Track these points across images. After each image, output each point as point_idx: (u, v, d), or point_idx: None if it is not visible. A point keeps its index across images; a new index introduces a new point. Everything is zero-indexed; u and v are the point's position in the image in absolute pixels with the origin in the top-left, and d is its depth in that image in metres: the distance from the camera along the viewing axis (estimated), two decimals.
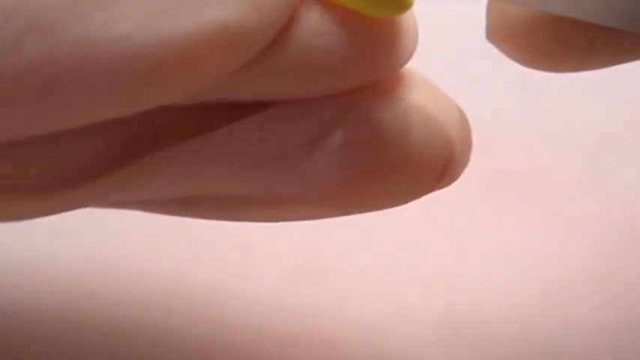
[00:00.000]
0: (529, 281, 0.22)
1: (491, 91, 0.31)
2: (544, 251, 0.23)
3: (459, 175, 0.15)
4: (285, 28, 0.12)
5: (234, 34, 0.12)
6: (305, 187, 0.14)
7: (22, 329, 0.21)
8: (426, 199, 0.25)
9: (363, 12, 0.13)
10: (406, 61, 0.14)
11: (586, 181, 0.25)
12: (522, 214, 0.25)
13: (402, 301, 0.21)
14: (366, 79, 0.14)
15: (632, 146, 0.24)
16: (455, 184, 0.26)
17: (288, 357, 0.20)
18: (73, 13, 0.11)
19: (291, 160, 0.14)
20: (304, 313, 0.21)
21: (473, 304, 0.21)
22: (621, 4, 0.13)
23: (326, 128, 0.14)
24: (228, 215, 0.16)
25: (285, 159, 0.14)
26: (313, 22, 0.13)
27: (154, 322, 0.20)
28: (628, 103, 0.26)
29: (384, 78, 0.14)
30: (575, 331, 0.21)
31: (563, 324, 0.21)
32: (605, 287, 0.22)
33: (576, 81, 0.27)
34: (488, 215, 0.25)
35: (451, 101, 0.15)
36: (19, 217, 0.16)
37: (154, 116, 0.13)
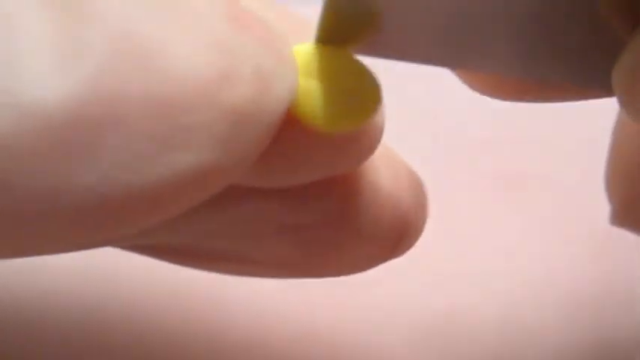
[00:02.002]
0: (530, 281, 0.22)
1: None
2: (545, 252, 0.23)
3: (414, 243, 0.16)
4: None
5: (208, 175, 0.12)
6: (266, 255, 0.15)
7: (23, 323, 0.21)
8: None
9: (325, 131, 0.13)
10: (367, 158, 0.14)
11: (589, 183, 0.25)
12: (523, 214, 0.25)
13: (402, 301, 0.21)
14: (324, 175, 0.14)
15: None
16: (458, 187, 0.26)
17: (288, 357, 0.20)
18: (36, 171, 0.11)
19: (257, 234, 0.15)
20: (304, 313, 0.21)
21: (473, 304, 0.21)
22: (543, 64, 0.15)
23: (288, 210, 0.15)
24: (193, 264, 0.17)
25: (251, 232, 0.15)
26: (280, 138, 0.13)
27: (154, 322, 0.20)
28: None
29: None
30: (576, 330, 0.21)
31: (564, 324, 0.21)
32: (606, 288, 0.22)
33: None
34: (489, 216, 0.25)
35: (410, 172, 0.16)
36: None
37: None
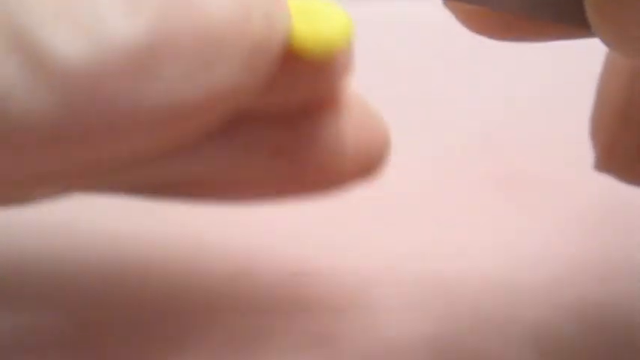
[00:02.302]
0: (530, 282, 0.22)
1: (488, 91, 0.31)
2: (546, 250, 0.23)
3: (381, 170, 0.20)
4: None
5: (236, 89, 0.16)
6: (264, 178, 0.19)
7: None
8: (426, 200, 0.25)
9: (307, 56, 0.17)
10: (340, 81, 0.19)
11: (591, 184, 0.25)
12: (523, 213, 0.25)
13: (402, 301, 0.21)
14: (308, 96, 0.18)
15: None
16: (456, 186, 0.26)
17: (289, 356, 0.20)
18: (120, 89, 0.15)
19: (255, 159, 0.19)
20: (304, 313, 0.21)
21: (473, 304, 0.21)
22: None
23: (280, 134, 0.19)
24: (199, 198, 0.20)
25: (249, 158, 0.19)
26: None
27: (154, 323, 0.21)
28: None
29: (325, 98, 0.19)
30: (580, 328, 0.21)
31: (566, 323, 0.21)
32: (607, 284, 0.22)
33: (579, 83, 0.27)
34: (489, 215, 0.25)
35: (376, 113, 0.20)
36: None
37: None
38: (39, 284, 0.22)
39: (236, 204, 0.21)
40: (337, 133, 0.19)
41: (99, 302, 0.21)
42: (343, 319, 0.21)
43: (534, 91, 0.30)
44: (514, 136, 0.28)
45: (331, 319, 0.21)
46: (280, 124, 0.19)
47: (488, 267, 0.23)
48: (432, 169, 0.27)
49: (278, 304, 0.21)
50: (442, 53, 0.31)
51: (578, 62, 0.24)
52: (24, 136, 0.14)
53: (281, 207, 0.24)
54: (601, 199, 0.25)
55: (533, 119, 0.29)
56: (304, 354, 0.20)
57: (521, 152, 0.27)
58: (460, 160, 0.27)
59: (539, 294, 0.22)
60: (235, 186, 0.19)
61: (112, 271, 0.22)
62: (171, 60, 0.15)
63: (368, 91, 0.20)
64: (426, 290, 0.22)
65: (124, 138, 0.15)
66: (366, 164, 0.19)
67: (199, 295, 0.21)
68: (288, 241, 0.23)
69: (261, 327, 0.20)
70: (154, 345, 0.20)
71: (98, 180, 0.18)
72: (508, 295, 0.22)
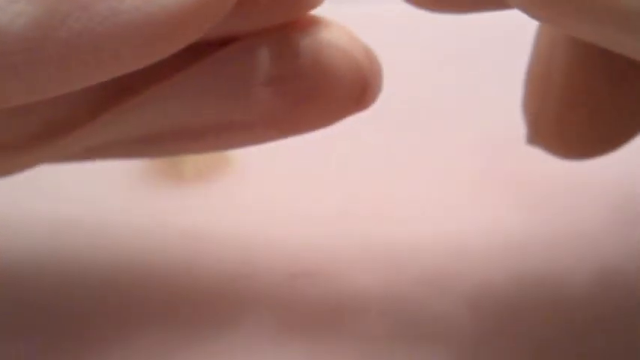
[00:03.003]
0: (530, 281, 0.22)
1: (486, 91, 0.31)
2: (545, 246, 0.23)
3: (376, 97, 0.19)
4: None
5: (213, 2, 0.16)
6: (253, 113, 0.18)
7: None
8: (426, 200, 0.25)
9: None
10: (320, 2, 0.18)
11: (593, 184, 0.25)
12: (523, 213, 0.25)
13: (402, 301, 0.21)
14: (288, 15, 0.18)
15: None
16: (456, 186, 0.26)
17: (289, 356, 0.20)
18: None
19: (242, 91, 0.18)
20: (304, 313, 0.21)
21: (473, 304, 0.21)
22: None
23: (263, 63, 0.18)
24: (190, 146, 0.19)
25: (236, 90, 0.18)
26: None
27: (153, 323, 0.21)
28: None
29: (304, 18, 0.18)
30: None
31: (562, 319, 0.21)
32: (605, 281, 0.22)
33: None
34: (488, 213, 0.25)
35: (357, 38, 0.19)
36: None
37: None
38: (39, 284, 0.22)
39: (226, 148, 0.21)
40: (324, 51, 0.18)
41: (99, 302, 0.21)
42: (343, 319, 0.21)
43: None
44: (514, 136, 0.28)
45: (331, 320, 0.21)
46: (263, 49, 0.18)
47: (488, 266, 0.23)
48: (432, 169, 0.27)
49: (278, 304, 0.21)
50: (442, 53, 0.31)
51: None
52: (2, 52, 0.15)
53: (281, 207, 0.24)
54: (606, 205, 0.25)
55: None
56: (304, 353, 0.20)
57: (519, 152, 0.27)
58: (460, 159, 0.27)
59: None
60: (221, 126, 0.19)
61: (112, 272, 0.22)
62: None
63: None
64: (426, 289, 0.22)
65: (107, 50, 0.15)
66: (358, 87, 0.19)
67: (199, 296, 0.21)
68: (288, 242, 0.23)
69: (261, 327, 0.20)
70: (153, 345, 0.20)
71: (80, 128, 0.18)
72: (507, 296, 0.22)
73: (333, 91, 0.18)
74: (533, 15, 0.15)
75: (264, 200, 0.24)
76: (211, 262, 0.22)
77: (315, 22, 0.19)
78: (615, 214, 0.24)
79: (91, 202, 0.22)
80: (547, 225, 0.24)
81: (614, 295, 0.21)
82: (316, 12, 0.18)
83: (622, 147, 0.21)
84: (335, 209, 0.25)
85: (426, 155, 0.27)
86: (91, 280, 0.22)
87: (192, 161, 0.25)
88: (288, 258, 0.23)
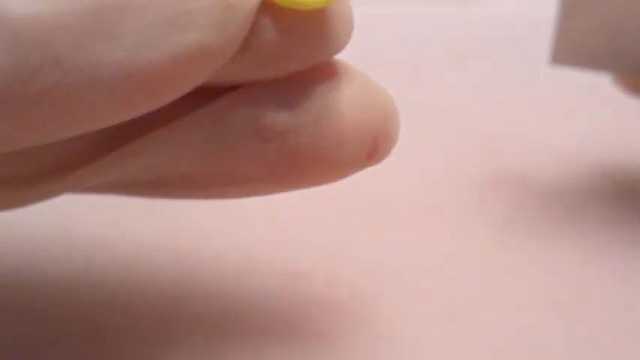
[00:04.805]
0: (530, 282, 0.22)
1: (486, 91, 0.31)
2: (545, 254, 0.23)
3: (389, 152, 0.17)
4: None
5: (209, 51, 0.15)
6: (256, 166, 0.17)
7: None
8: (426, 200, 0.25)
9: (296, 7, 0.16)
10: (340, 48, 0.17)
11: (594, 188, 0.25)
12: (522, 213, 0.25)
13: (403, 301, 0.21)
14: (304, 64, 0.16)
15: None
16: (455, 186, 0.26)
17: (289, 356, 0.20)
18: (77, 47, 0.14)
19: (243, 143, 0.17)
20: (304, 313, 0.21)
21: (473, 304, 0.21)
22: None
23: (270, 113, 0.17)
24: (195, 194, 0.18)
25: (237, 142, 0.17)
26: (263, 24, 0.16)
27: (154, 323, 0.21)
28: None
29: (320, 66, 0.17)
30: (577, 333, 0.21)
31: (565, 326, 0.21)
32: (611, 290, 0.22)
33: (582, 86, 0.27)
34: (489, 213, 0.25)
35: (378, 87, 0.17)
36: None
37: None
38: (39, 285, 0.22)
39: (231, 198, 0.19)
40: (333, 108, 0.17)
41: (99, 302, 0.21)
42: (343, 319, 0.21)
43: (535, 92, 0.31)
44: (514, 136, 0.28)
45: (331, 320, 0.21)
46: (268, 101, 0.17)
47: (488, 265, 0.23)
48: (432, 169, 0.27)
49: (277, 304, 0.21)
50: (442, 53, 0.31)
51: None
52: None
53: (281, 207, 0.24)
54: (609, 206, 0.25)
55: (534, 119, 0.29)
56: (304, 353, 0.20)
57: (520, 152, 0.27)
58: (460, 160, 0.27)
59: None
60: (224, 177, 0.17)
61: (112, 272, 0.22)
62: (135, 20, 0.14)
63: None
64: (426, 289, 0.22)
65: (82, 106, 0.14)
66: (368, 145, 0.17)
67: (199, 296, 0.21)
68: (288, 242, 0.23)
69: (261, 327, 0.20)
70: (153, 345, 0.20)
71: (74, 174, 0.17)
72: (506, 296, 0.22)
73: (339, 152, 0.17)
74: None
75: (264, 200, 0.24)
76: (211, 261, 0.22)
77: (333, 71, 0.17)
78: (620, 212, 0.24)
79: (92, 202, 0.22)
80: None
81: None
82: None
83: None
84: (335, 209, 0.25)
85: (427, 155, 0.27)
86: (91, 280, 0.22)
87: None
88: (288, 258, 0.23)
